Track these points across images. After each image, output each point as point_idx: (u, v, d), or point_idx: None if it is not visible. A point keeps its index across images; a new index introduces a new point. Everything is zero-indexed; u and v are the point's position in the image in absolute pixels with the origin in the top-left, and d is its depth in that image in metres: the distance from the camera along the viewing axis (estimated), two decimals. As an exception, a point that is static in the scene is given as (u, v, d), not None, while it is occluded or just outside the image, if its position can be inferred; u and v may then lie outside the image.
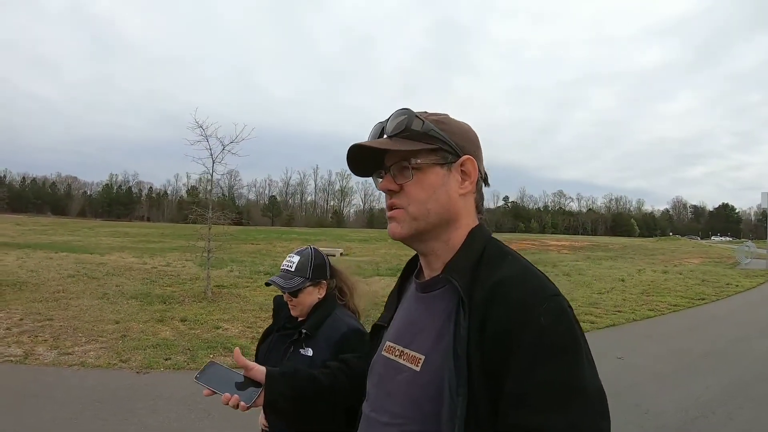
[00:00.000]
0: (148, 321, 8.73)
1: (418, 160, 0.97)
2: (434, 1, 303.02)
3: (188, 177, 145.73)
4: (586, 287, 15.91)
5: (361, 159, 1.03)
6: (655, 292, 15.36)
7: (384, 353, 1.05)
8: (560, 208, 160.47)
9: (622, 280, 18.10)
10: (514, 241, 42.14)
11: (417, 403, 0.91)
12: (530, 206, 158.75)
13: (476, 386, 0.82)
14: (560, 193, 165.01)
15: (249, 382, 1.33)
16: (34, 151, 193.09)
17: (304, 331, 1.83)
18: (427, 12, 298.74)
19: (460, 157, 0.99)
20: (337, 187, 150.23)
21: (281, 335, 1.95)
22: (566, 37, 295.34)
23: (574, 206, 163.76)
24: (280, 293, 1.99)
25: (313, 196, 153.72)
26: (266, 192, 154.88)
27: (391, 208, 1.01)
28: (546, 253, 31.61)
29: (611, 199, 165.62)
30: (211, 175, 11.69)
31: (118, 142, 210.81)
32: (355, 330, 1.83)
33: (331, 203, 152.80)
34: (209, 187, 12.43)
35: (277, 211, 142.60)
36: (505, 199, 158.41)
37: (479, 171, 1.02)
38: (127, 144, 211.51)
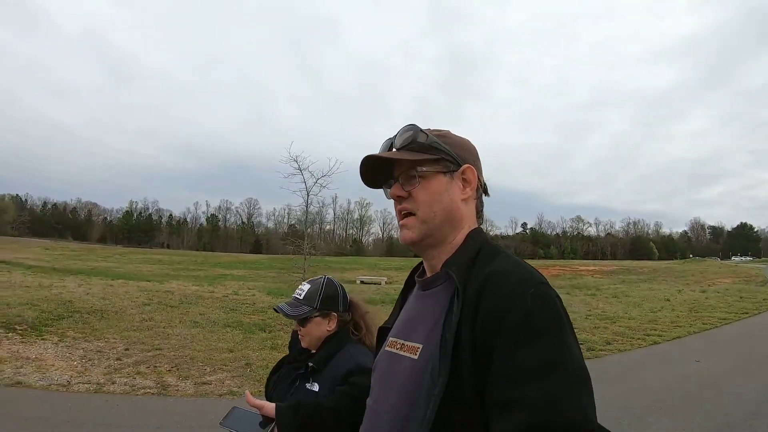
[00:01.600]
0: (262, 349, 8.96)
1: (424, 168, 1.06)
2: (445, 30, 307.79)
3: (207, 205, 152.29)
4: (638, 307, 16.92)
5: (373, 171, 1.13)
6: (702, 309, 16.63)
7: (387, 348, 1.12)
8: (578, 233, 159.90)
9: (668, 300, 19.24)
10: (542, 268, 42.89)
11: (413, 389, 0.95)
12: (548, 232, 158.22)
13: (464, 369, 0.87)
14: (578, 219, 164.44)
15: (267, 420, 1.53)
16: (54, 176, 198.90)
17: (311, 364, 1.81)
18: (437, 41, 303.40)
19: (461, 166, 1.08)
20: (356, 215, 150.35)
21: (291, 367, 1.95)
22: (577, 61, 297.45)
23: (592, 231, 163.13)
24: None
25: (332, 225, 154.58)
26: (285, 221, 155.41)
27: (401, 215, 1.09)
28: (581, 278, 32.44)
29: (629, 223, 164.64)
30: (306, 207, 12.25)
31: (135, 168, 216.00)
32: (362, 368, 1.71)
33: (350, 231, 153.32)
34: (305, 218, 12.95)
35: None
36: (524, 225, 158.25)
37: (479, 179, 1.12)
38: (143, 171, 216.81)
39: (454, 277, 0.97)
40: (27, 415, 5.19)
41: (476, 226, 1.11)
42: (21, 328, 9.08)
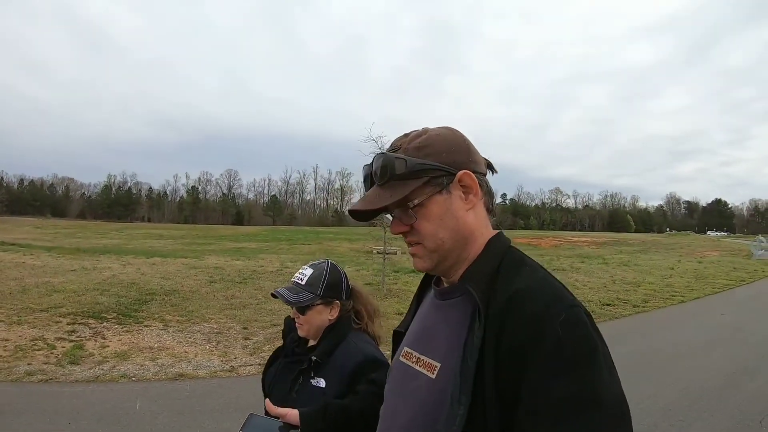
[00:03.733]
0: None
1: (415, 201, 0.96)
2: (425, 0, 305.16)
3: (187, 177, 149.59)
4: (649, 275, 18.60)
5: (363, 213, 1.04)
6: (705, 277, 18.84)
7: (401, 359, 1.06)
8: (557, 205, 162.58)
9: (672, 269, 21.08)
10: (538, 238, 44.57)
11: (429, 410, 0.91)
12: (528, 203, 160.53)
13: (486, 396, 0.83)
14: (557, 190, 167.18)
15: (287, 426, 1.49)
16: (28, 153, 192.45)
17: (314, 358, 1.71)
18: (418, 12, 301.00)
19: (455, 174, 0.97)
20: (337, 185, 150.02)
21: (289, 362, 1.83)
22: (557, 36, 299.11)
23: (570, 203, 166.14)
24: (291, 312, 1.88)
25: (313, 195, 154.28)
26: (265, 191, 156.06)
27: (409, 244, 1.02)
28: (580, 248, 34.10)
29: (606, 196, 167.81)
30: None
31: (111, 142, 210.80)
32: (372, 359, 1.69)
33: (331, 202, 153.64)
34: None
35: (278, 211, 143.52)
36: (503, 196, 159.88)
37: (479, 173, 1.02)
38: (119, 144, 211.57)
39: (474, 295, 0.91)
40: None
41: (492, 233, 1.03)
42: (110, 316, 8.99)
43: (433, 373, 0.94)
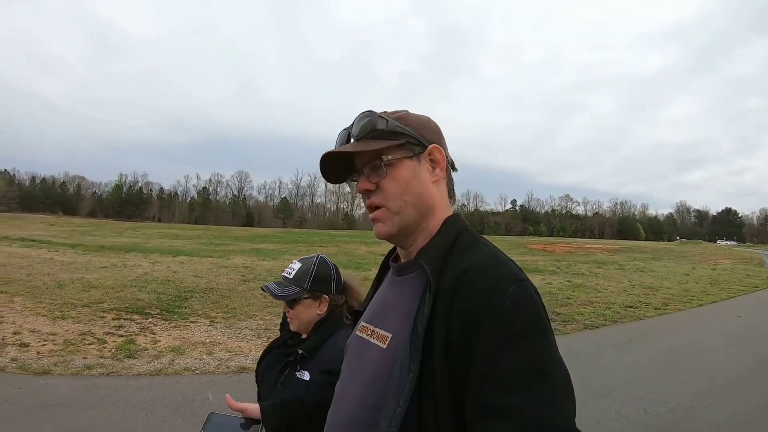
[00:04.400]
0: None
1: (389, 157, 1.00)
2: (433, 5, 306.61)
3: (198, 178, 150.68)
4: (666, 280, 19.03)
5: (334, 167, 1.07)
6: (720, 283, 19.29)
7: (358, 333, 1.10)
8: (567, 211, 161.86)
9: (687, 275, 21.57)
10: (553, 245, 44.98)
11: (379, 380, 0.93)
12: (537, 210, 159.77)
13: (436, 365, 0.84)
14: (567, 197, 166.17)
15: (250, 421, 1.52)
16: (39, 151, 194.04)
17: (300, 351, 1.72)
18: (426, 17, 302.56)
19: (426, 147, 1.03)
20: (348, 189, 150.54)
21: (279, 353, 1.85)
22: (565, 42, 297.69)
23: (580, 210, 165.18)
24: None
25: (323, 198, 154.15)
26: (276, 194, 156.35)
27: (371, 208, 1.04)
28: (594, 254, 34.52)
29: (616, 203, 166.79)
30: None
31: (120, 142, 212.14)
32: None
33: (341, 205, 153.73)
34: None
35: (289, 213, 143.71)
36: (513, 202, 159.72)
37: (446, 158, 1.06)
38: (129, 144, 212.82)
39: (426, 268, 0.94)
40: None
41: (450, 209, 1.08)
42: (154, 312, 9.20)
43: (384, 344, 0.97)
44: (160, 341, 7.55)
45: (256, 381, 1.89)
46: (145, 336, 7.77)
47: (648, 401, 5.40)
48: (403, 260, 1.09)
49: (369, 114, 1.03)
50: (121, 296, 10.27)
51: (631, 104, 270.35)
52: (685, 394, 5.68)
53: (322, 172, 1.08)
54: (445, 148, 1.07)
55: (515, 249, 36.84)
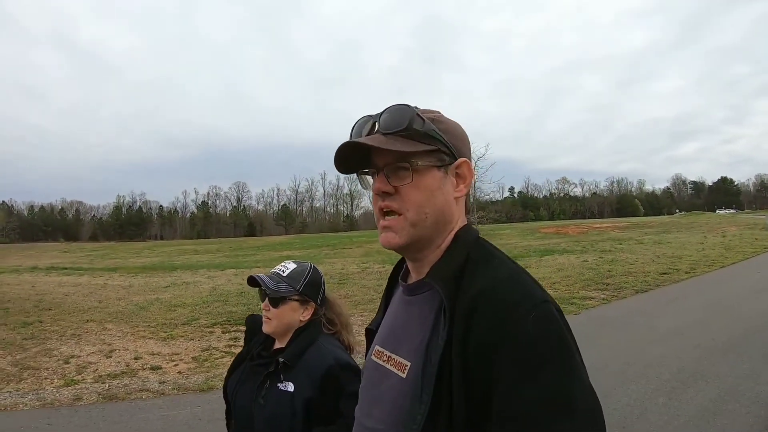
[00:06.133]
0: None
1: (418, 162, 0.92)
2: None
3: (196, 192, 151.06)
4: (684, 249, 20.76)
5: (350, 155, 0.97)
6: (732, 248, 21.24)
7: (373, 358, 1.04)
8: (565, 194, 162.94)
9: (702, 243, 23.36)
10: (564, 227, 46.37)
11: (402, 410, 0.89)
12: (536, 195, 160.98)
13: (454, 397, 0.80)
14: (563, 180, 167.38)
15: None
16: (33, 178, 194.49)
17: (281, 359, 1.63)
18: (410, 11, 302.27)
19: (456, 159, 0.96)
20: (346, 190, 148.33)
21: (254, 366, 1.74)
22: (550, 25, 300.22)
23: (577, 192, 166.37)
24: (255, 313, 1.85)
25: (322, 201, 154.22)
26: (274, 201, 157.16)
27: (384, 212, 0.96)
28: (607, 233, 35.97)
29: (613, 182, 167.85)
30: (474, 187, 15.72)
31: (114, 164, 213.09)
32: (344, 364, 1.64)
33: (341, 208, 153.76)
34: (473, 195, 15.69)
35: (291, 220, 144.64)
36: (511, 189, 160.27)
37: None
38: (123, 165, 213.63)
39: (440, 292, 0.88)
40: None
41: (464, 223, 1.01)
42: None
43: (403, 373, 0.92)
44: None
45: (225, 398, 1.80)
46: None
47: (711, 335, 7.11)
48: (413, 274, 1.03)
49: (406, 108, 0.93)
50: (211, 311, 10.71)
51: (619, 82, 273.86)
52: (736, 328, 7.48)
53: (336, 159, 0.97)
54: (470, 155, 1.02)
55: (531, 235, 38.19)
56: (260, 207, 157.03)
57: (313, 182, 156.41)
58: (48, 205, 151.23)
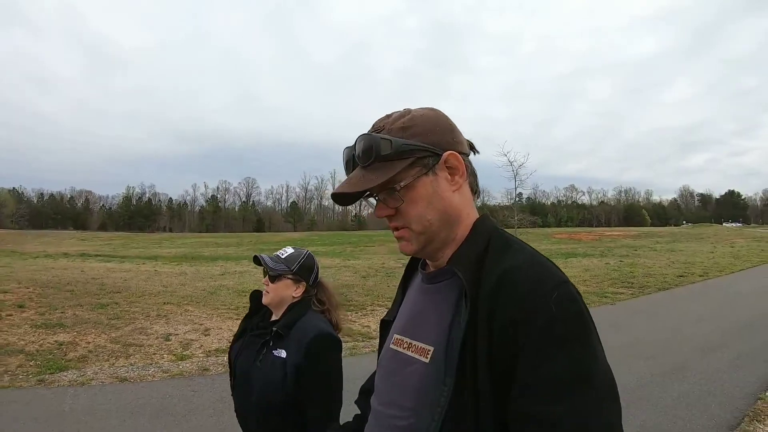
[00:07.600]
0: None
1: (402, 183, 0.93)
2: (426, 1, 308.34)
3: (206, 187, 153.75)
4: (696, 257, 22.41)
5: (345, 197, 0.99)
6: (742, 256, 23.04)
7: (392, 346, 1.04)
8: (573, 202, 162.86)
9: (712, 252, 25.12)
10: (577, 234, 47.53)
11: (426, 395, 0.90)
12: (543, 201, 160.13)
13: (479, 379, 0.82)
14: (572, 188, 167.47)
15: None
16: (44, 167, 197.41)
17: (275, 329, 1.87)
18: (420, 13, 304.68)
19: (441, 155, 0.95)
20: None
21: (254, 336, 1.99)
22: (560, 30, 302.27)
23: (585, 199, 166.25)
24: (259, 289, 2.07)
25: (331, 200, 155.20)
26: (283, 198, 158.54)
27: (395, 228, 1.00)
28: (620, 240, 37.47)
29: (621, 191, 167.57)
30: (515, 190, 18.12)
31: (123, 155, 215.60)
32: (325, 334, 1.84)
33: (348, 207, 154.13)
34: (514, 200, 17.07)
35: (299, 217, 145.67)
36: (519, 195, 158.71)
37: (464, 153, 0.99)
38: (132, 157, 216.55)
39: (460, 275, 0.89)
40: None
41: (475, 210, 1.02)
42: None
43: (426, 358, 0.92)
44: (370, 325, 8.82)
45: (229, 362, 2.07)
46: (354, 322, 8.94)
47: (733, 321, 8.75)
48: (432, 266, 1.05)
49: (369, 138, 0.93)
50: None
51: (629, 89, 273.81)
52: (753, 315, 9.28)
53: (334, 202, 1.02)
54: (458, 142, 0.99)
55: (546, 239, 39.75)
56: (269, 203, 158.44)
57: (322, 180, 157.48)
58: (57, 193, 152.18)
